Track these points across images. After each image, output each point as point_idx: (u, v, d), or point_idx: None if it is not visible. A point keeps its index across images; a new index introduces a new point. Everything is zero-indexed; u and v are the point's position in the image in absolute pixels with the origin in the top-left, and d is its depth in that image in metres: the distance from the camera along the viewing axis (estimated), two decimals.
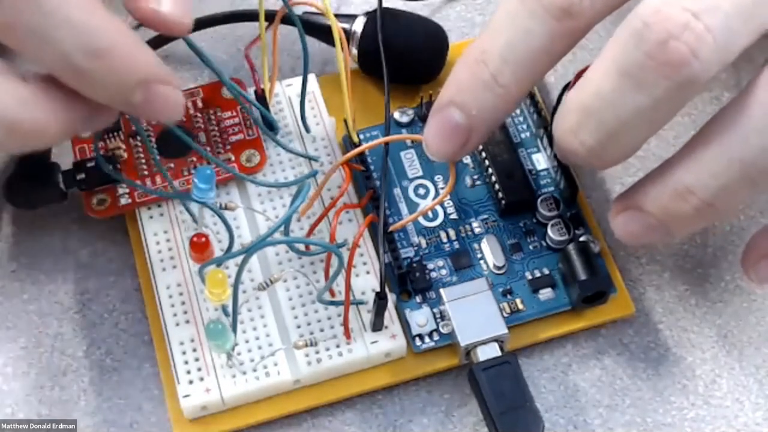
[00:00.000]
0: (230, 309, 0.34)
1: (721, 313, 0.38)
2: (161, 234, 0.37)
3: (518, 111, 0.40)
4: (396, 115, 0.39)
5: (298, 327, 0.35)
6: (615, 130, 0.31)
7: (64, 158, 0.38)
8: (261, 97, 0.38)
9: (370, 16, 0.39)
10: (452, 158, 0.34)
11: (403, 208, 0.38)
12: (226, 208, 0.34)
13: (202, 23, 0.40)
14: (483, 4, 0.44)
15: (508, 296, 0.36)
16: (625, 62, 0.30)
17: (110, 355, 0.37)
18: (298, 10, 0.38)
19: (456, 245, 0.37)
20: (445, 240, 0.37)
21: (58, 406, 0.36)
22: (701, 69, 0.29)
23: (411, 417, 0.36)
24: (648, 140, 0.32)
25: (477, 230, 0.38)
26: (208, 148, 0.37)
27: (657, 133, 0.32)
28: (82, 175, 0.36)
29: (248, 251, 0.32)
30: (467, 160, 0.39)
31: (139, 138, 0.37)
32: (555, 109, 0.37)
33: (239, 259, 0.33)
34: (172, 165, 0.37)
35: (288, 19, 0.38)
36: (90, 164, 0.36)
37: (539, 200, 0.38)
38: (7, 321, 0.37)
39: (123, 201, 0.37)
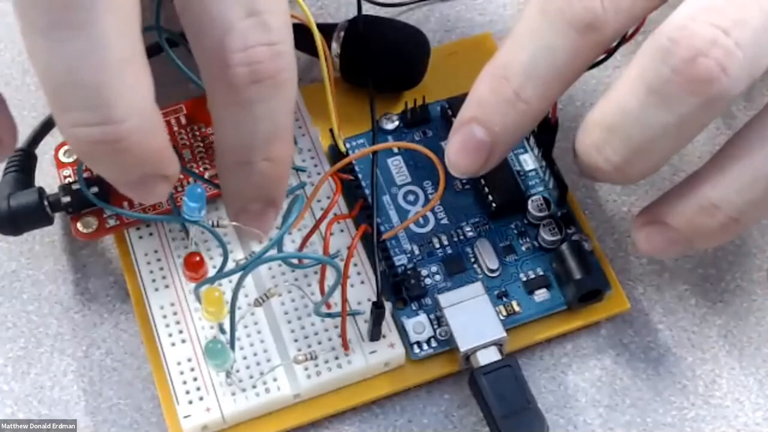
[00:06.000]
0: (227, 327, 0.36)
1: (721, 313, 0.40)
2: (152, 254, 0.39)
3: None
4: (381, 122, 0.42)
5: (296, 341, 0.37)
6: (641, 147, 0.33)
7: (49, 181, 0.40)
8: None
9: (351, 24, 0.41)
10: (475, 174, 0.36)
11: (394, 215, 0.40)
12: (217, 225, 0.35)
13: (182, 36, 0.42)
14: (483, 3, 0.46)
15: (504, 299, 0.38)
16: (652, 79, 0.31)
17: (110, 355, 0.39)
18: None
19: (449, 250, 0.39)
20: (437, 246, 0.39)
21: (58, 406, 0.38)
22: (730, 85, 0.31)
23: (411, 417, 0.38)
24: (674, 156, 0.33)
25: (469, 234, 0.40)
26: (194, 166, 0.40)
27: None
28: (68, 199, 0.38)
29: (244, 269, 0.34)
30: None
31: None
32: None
33: (233, 276, 0.36)
34: None
35: None
36: (75, 187, 0.38)
37: (529, 201, 0.40)
38: (7, 321, 0.40)
39: (111, 222, 0.39)
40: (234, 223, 0.35)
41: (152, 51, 0.39)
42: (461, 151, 0.35)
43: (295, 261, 0.38)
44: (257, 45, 0.31)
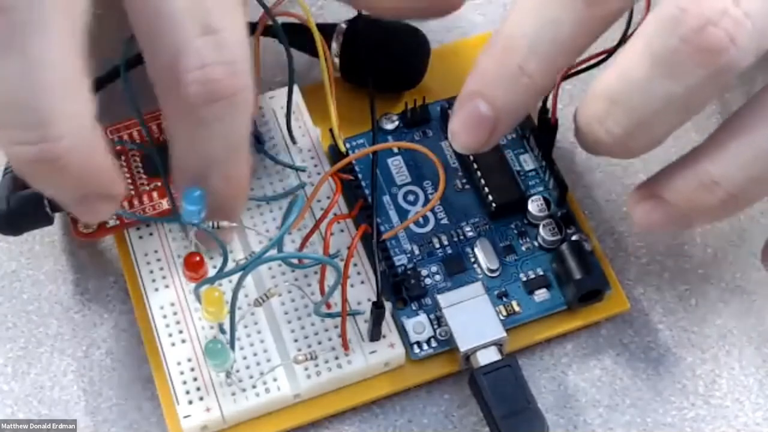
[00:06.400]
0: (227, 327, 0.36)
1: (721, 313, 0.40)
2: (152, 254, 0.39)
3: None
4: (381, 122, 0.42)
5: (296, 341, 0.37)
6: (644, 120, 0.32)
7: None
8: None
9: (351, 24, 0.42)
10: (479, 149, 0.35)
11: (393, 215, 0.40)
12: (217, 227, 0.36)
13: None
14: (483, 3, 0.46)
15: (504, 299, 0.39)
16: (659, 48, 0.31)
17: (110, 355, 0.39)
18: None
19: (449, 250, 0.40)
20: (437, 246, 0.40)
21: (58, 406, 0.38)
22: (739, 56, 0.30)
23: (411, 417, 0.38)
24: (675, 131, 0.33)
25: (469, 234, 0.40)
26: None
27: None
28: None
29: (244, 269, 0.35)
30: (455, 164, 0.41)
31: (123, 158, 0.40)
32: (541, 110, 0.40)
33: (233, 276, 0.36)
34: (158, 183, 0.39)
35: (265, 30, 0.40)
36: None
37: (529, 201, 0.40)
38: (7, 321, 0.40)
39: (111, 222, 0.39)
40: (231, 224, 0.35)
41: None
42: (464, 126, 0.34)
43: (295, 261, 0.38)
44: (213, 64, 0.31)
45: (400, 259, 0.40)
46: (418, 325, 0.38)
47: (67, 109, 0.30)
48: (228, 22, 0.32)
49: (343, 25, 0.42)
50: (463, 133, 0.35)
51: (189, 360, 0.37)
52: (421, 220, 0.40)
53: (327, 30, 0.42)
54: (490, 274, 0.39)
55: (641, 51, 0.32)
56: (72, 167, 0.30)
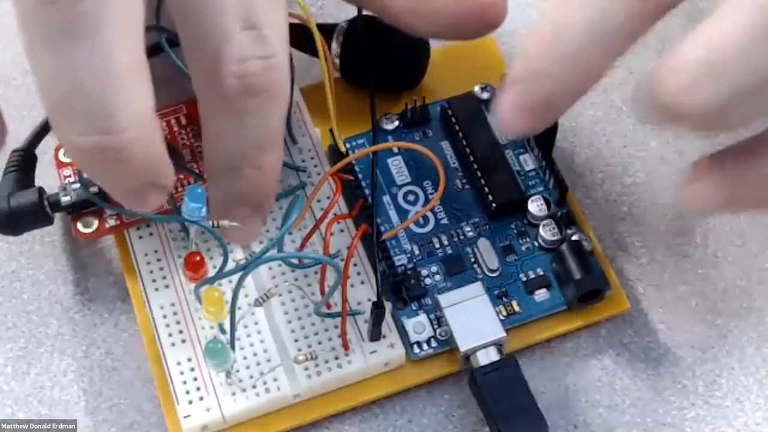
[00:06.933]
0: (227, 327, 0.36)
1: (721, 313, 0.40)
2: (152, 254, 0.39)
3: None
4: (381, 122, 0.42)
5: (296, 341, 0.37)
6: (748, 88, 0.29)
7: (49, 181, 0.40)
8: None
9: (351, 24, 0.42)
10: (527, 133, 0.34)
11: (393, 215, 0.40)
12: (218, 225, 0.35)
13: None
14: None
15: (504, 299, 0.39)
16: (760, 11, 0.27)
17: (110, 355, 0.39)
18: None
19: (449, 250, 0.40)
20: (437, 246, 0.40)
21: (58, 406, 0.38)
22: None
23: (411, 417, 0.38)
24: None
25: (469, 234, 0.40)
26: (194, 165, 0.40)
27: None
28: (68, 199, 0.39)
29: (244, 269, 0.35)
30: (455, 164, 0.41)
31: None
32: None
33: (233, 276, 0.36)
34: None
35: None
36: (75, 187, 0.38)
37: (529, 201, 0.40)
38: (7, 321, 0.40)
39: (111, 222, 0.39)
40: (233, 223, 0.35)
41: (152, 51, 0.40)
42: (513, 110, 0.33)
43: (295, 261, 0.38)
44: (253, 58, 0.31)
45: (400, 259, 0.40)
46: (418, 325, 0.38)
47: (132, 100, 0.30)
48: (270, 17, 0.32)
49: (343, 25, 0.42)
50: (511, 116, 0.33)
51: (189, 360, 0.37)
52: (421, 220, 0.40)
53: (327, 30, 0.42)
54: (490, 274, 0.39)
55: (744, 10, 0.28)
56: (133, 158, 0.30)
